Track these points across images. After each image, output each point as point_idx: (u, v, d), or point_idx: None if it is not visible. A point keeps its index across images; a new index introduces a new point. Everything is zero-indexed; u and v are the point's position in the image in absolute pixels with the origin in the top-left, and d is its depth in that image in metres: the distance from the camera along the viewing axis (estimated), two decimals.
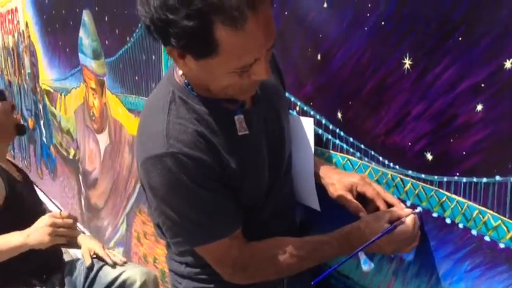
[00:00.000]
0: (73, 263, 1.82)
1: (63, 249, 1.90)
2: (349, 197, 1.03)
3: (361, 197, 1.04)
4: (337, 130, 1.12)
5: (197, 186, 0.93)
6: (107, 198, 2.67)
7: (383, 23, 0.95)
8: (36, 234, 1.51)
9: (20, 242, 1.50)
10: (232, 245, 0.99)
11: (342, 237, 0.99)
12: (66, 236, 1.59)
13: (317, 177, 1.11)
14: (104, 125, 2.57)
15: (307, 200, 1.16)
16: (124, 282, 1.69)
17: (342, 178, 1.07)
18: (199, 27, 0.78)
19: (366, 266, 1.02)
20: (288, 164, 1.12)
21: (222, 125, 0.97)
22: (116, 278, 1.70)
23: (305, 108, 1.20)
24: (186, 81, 0.96)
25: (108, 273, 1.72)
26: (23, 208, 1.69)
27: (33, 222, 1.58)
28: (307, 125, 1.13)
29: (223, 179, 0.97)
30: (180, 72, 0.97)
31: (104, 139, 2.60)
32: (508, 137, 0.78)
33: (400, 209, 0.97)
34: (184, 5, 0.76)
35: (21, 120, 1.88)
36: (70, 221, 1.59)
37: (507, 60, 0.75)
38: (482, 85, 0.79)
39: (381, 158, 1.02)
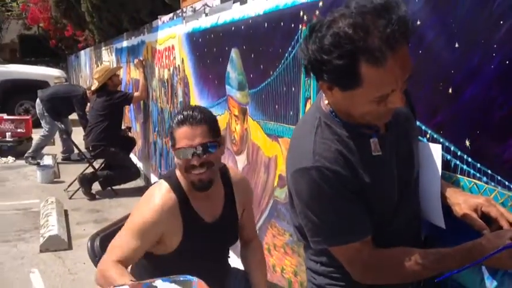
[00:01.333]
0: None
1: None
2: (474, 215, 1.14)
3: (485, 217, 1.13)
4: (465, 156, 1.23)
5: (336, 195, 1.13)
6: None
7: (507, 62, 1.06)
8: None
9: None
10: (363, 249, 1.16)
11: (464, 251, 1.09)
12: None
13: (443, 197, 1.23)
14: (243, 147, 2.89)
15: (432, 217, 1.27)
16: None
17: (467, 199, 1.18)
18: (348, 65, 0.99)
19: (489, 281, 1.10)
20: (416, 183, 1.26)
21: (359, 146, 1.16)
22: None
23: (435, 136, 1.33)
24: (330, 109, 1.18)
25: None
26: (197, 254, 1.65)
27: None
28: (435, 150, 1.27)
29: (358, 191, 1.15)
30: (326, 101, 1.19)
31: (242, 160, 2.92)
32: None
33: None
34: (336, 47, 0.99)
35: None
36: None
37: None
38: None
39: (507, 183, 1.11)
